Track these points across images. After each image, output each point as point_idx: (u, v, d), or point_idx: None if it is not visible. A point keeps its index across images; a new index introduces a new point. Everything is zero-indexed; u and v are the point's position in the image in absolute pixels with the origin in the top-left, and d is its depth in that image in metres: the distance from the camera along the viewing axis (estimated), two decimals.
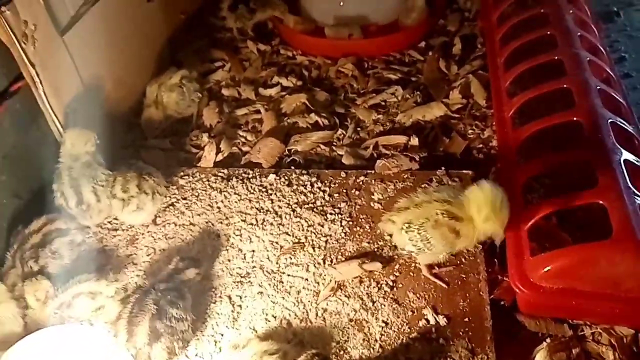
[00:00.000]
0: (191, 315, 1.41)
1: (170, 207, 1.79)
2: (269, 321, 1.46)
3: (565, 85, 1.71)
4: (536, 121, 1.69)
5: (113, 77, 2.00)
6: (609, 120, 1.57)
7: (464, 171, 1.81)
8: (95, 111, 1.86)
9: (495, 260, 1.54)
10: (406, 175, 1.82)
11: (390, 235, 1.50)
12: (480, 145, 1.97)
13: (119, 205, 1.70)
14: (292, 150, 2.01)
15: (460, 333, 1.38)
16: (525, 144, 1.68)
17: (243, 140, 2.08)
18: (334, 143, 2.04)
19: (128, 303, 1.40)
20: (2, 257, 1.56)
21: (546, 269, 1.37)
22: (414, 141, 1.96)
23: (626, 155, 1.48)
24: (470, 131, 2.03)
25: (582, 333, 1.40)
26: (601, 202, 1.36)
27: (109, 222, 1.76)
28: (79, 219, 1.69)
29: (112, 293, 1.45)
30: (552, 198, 1.49)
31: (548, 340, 1.37)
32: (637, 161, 1.49)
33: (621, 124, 1.61)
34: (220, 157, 2.00)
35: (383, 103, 2.19)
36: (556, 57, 1.80)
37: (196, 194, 1.83)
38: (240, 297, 1.53)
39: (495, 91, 1.98)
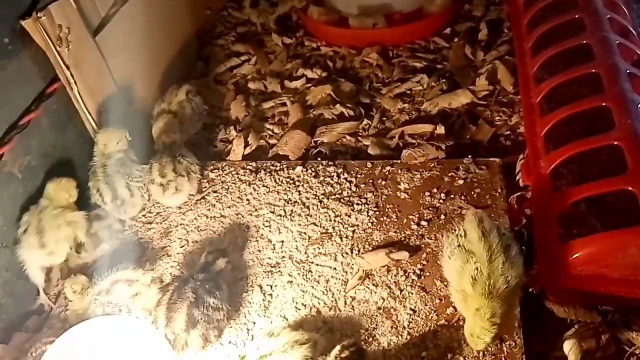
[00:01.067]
0: (227, 306, 1.47)
1: (202, 200, 1.85)
2: (299, 309, 1.50)
3: (593, 70, 1.68)
4: (564, 107, 1.67)
5: (143, 75, 2.06)
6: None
7: (491, 159, 1.81)
8: (128, 109, 1.92)
9: (523, 247, 1.54)
10: (433, 164, 1.83)
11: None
12: (508, 132, 1.96)
13: (159, 191, 1.78)
14: (318, 142, 2.04)
15: None
16: (554, 131, 1.67)
17: (270, 133, 2.11)
18: (360, 133, 2.05)
19: (167, 291, 1.47)
20: None
21: (575, 256, 1.36)
22: (440, 130, 1.96)
23: None
24: (497, 118, 2.02)
25: (612, 319, 1.39)
26: (630, 188, 1.35)
27: (143, 215, 1.83)
28: (114, 214, 1.77)
29: (148, 281, 1.52)
30: (581, 185, 1.48)
31: (577, 326, 1.37)
32: None
33: None
34: (248, 150, 2.05)
35: (408, 92, 2.19)
36: (584, 41, 1.77)
37: (226, 187, 1.88)
38: (271, 287, 1.57)
39: (523, 77, 1.95)
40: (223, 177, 1.92)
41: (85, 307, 1.51)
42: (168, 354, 1.34)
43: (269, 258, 1.65)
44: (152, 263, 1.66)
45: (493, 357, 1.34)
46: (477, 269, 1.27)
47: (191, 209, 1.82)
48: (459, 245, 1.32)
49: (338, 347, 1.24)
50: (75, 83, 1.72)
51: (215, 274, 1.52)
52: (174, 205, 1.83)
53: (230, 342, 1.46)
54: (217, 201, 1.84)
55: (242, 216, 1.78)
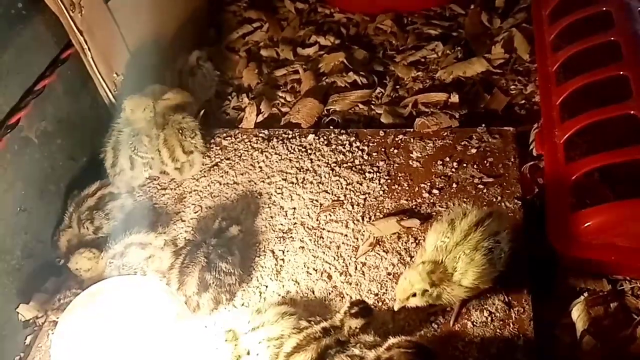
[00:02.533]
0: (239, 270, 1.50)
1: (215, 167, 1.87)
2: (311, 274, 1.53)
3: (613, 38, 1.64)
4: (581, 76, 1.64)
5: (156, 41, 2.05)
6: None
7: (505, 128, 1.80)
8: (142, 75, 1.92)
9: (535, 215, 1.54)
10: (446, 133, 1.82)
11: None
12: (523, 101, 1.94)
13: (176, 173, 1.82)
14: (331, 110, 2.03)
15: (497, 287, 1.40)
16: (570, 100, 1.65)
17: (282, 101, 2.11)
18: (373, 102, 2.04)
19: (180, 255, 1.50)
20: (62, 215, 1.68)
21: (587, 225, 1.37)
22: (454, 98, 1.95)
23: None
24: (512, 87, 1.99)
25: (622, 288, 1.40)
26: None
27: (158, 183, 1.85)
28: (109, 178, 1.77)
29: (161, 244, 1.55)
30: (595, 154, 1.47)
31: (586, 294, 1.38)
32: None
33: None
34: (260, 118, 2.05)
35: (423, 60, 2.16)
36: (604, 8, 1.72)
37: (239, 154, 1.89)
38: (283, 252, 1.60)
39: (539, 45, 1.91)
40: (236, 144, 1.93)
41: (100, 272, 1.55)
42: (185, 312, 1.38)
43: (281, 224, 1.67)
44: (166, 227, 1.69)
45: (501, 322, 1.36)
46: (443, 242, 1.30)
47: (204, 176, 1.84)
48: (452, 219, 1.33)
49: (347, 304, 1.28)
50: (89, 49, 1.72)
51: (228, 239, 1.55)
52: (190, 175, 1.85)
53: (243, 304, 1.50)
54: (230, 168, 1.86)
55: (255, 183, 1.80)
